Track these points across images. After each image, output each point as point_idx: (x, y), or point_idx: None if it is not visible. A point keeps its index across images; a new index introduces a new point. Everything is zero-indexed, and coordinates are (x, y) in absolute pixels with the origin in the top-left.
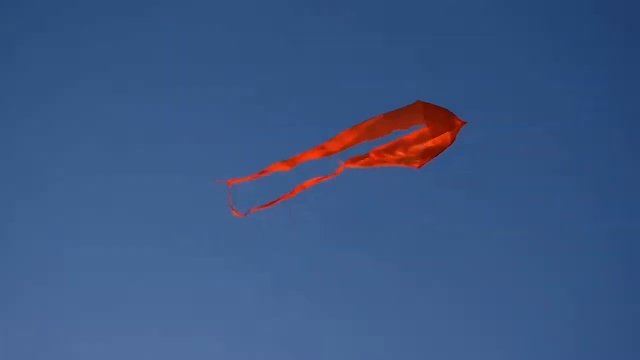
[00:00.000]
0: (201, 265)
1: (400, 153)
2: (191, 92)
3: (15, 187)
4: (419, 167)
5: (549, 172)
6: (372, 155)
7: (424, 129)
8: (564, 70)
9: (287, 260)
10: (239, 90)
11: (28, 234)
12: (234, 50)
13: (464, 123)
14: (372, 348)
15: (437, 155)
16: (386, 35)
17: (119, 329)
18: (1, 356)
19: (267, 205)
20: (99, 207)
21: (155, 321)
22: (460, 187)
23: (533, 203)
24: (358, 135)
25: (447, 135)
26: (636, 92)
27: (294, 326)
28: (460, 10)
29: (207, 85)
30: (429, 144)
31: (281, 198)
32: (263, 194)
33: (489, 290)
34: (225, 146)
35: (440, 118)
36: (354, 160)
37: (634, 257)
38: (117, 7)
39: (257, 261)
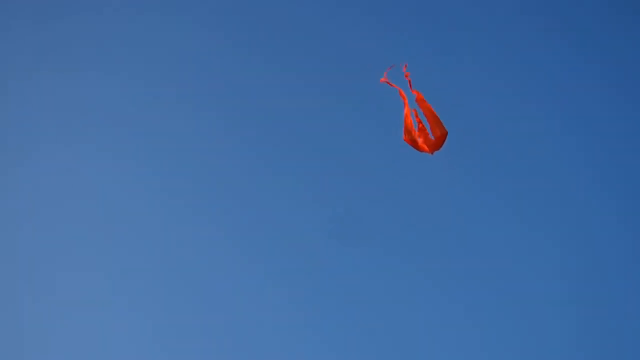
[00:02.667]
0: None
1: (419, 127)
2: None
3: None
4: (405, 140)
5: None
6: (419, 102)
7: (433, 140)
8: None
9: None
10: None
11: None
12: None
13: (432, 153)
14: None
15: (415, 148)
16: None
17: None
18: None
19: (387, 82)
20: None
21: None
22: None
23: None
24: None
25: (430, 149)
26: None
27: None
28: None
29: None
30: (424, 142)
31: (396, 86)
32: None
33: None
34: None
35: (439, 142)
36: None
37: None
38: None
39: None
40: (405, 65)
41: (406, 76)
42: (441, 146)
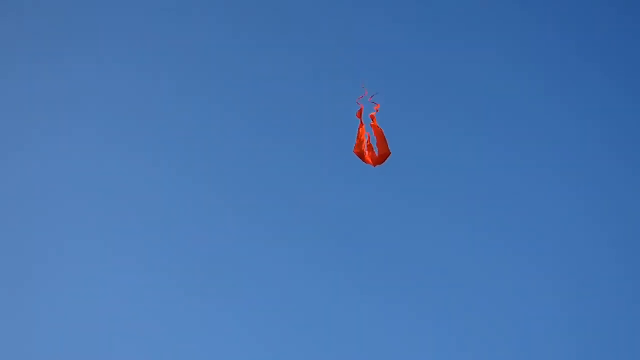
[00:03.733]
0: None
1: (369, 144)
2: None
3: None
4: (354, 151)
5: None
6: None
7: (377, 156)
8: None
9: None
10: None
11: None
12: None
13: (374, 166)
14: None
15: (362, 159)
16: None
17: None
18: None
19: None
20: None
21: None
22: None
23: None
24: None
25: (373, 163)
26: None
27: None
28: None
29: None
30: (369, 157)
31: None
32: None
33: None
34: None
35: (382, 159)
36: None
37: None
38: None
39: None
40: (367, 96)
41: (371, 101)
42: (383, 162)
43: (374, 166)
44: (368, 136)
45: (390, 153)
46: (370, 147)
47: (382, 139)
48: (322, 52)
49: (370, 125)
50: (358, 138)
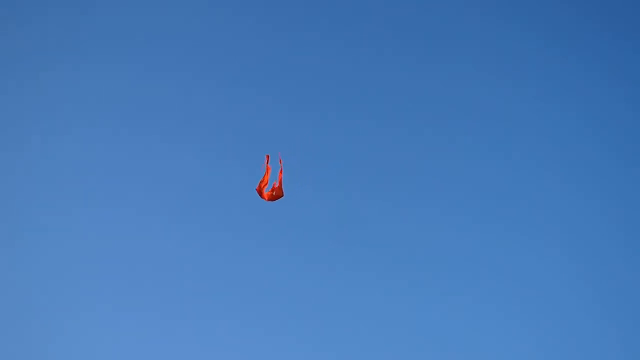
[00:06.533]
0: None
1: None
2: None
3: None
4: (256, 189)
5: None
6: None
7: (274, 195)
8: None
9: None
10: None
11: None
12: None
13: (267, 200)
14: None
15: (259, 195)
16: None
17: None
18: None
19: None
20: None
21: None
22: None
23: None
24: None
25: (267, 199)
26: None
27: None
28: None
29: None
30: (265, 195)
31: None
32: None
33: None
34: None
35: (275, 197)
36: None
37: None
38: None
39: None
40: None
41: (279, 161)
42: (274, 200)
43: (267, 200)
44: (273, 184)
45: (282, 195)
46: (270, 189)
47: (280, 185)
48: (317, 55)
49: (279, 172)
50: (262, 180)
